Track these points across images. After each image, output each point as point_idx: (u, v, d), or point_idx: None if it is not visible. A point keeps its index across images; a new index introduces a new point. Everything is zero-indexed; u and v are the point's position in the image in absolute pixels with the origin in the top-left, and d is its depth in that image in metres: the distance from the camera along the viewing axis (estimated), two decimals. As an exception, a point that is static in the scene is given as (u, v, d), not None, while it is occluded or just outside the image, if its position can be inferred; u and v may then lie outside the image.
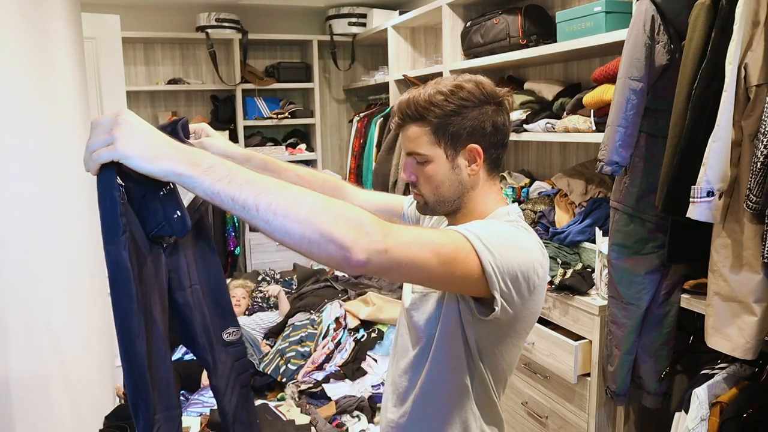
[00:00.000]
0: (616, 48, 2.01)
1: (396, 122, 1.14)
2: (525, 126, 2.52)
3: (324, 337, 3.24)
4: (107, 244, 0.77)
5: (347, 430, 2.54)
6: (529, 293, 1.02)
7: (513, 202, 2.79)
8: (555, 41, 2.37)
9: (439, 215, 1.21)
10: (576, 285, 2.13)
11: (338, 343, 3.17)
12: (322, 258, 0.80)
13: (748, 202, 1.48)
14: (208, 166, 0.79)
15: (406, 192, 3.29)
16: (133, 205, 0.82)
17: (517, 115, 2.55)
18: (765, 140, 1.44)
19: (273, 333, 3.58)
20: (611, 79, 2.02)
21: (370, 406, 2.66)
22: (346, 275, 3.86)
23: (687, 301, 1.86)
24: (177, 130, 0.96)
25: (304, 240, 0.79)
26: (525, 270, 1.00)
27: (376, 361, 2.98)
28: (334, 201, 0.83)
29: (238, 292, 3.68)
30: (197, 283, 0.96)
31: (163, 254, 0.89)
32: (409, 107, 1.09)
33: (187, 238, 0.94)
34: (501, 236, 1.00)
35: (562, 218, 2.45)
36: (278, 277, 4.17)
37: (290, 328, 3.41)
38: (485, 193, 1.13)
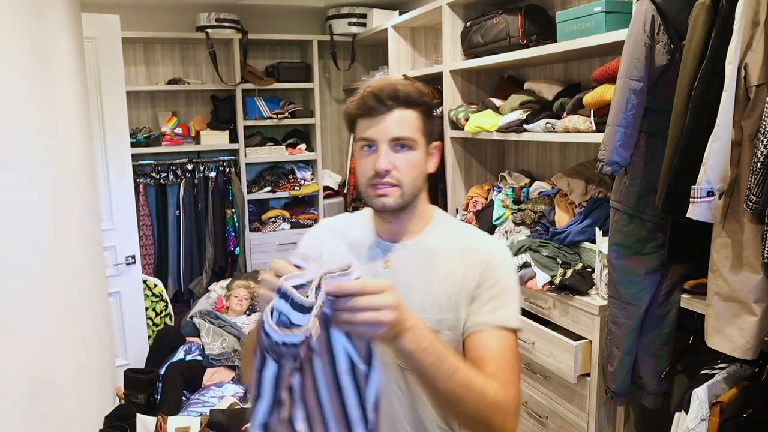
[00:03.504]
0: (616, 48, 2.00)
1: (379, 107, 1.05)
2: (525, 126, 2.51)
3: (324, 337, 3.24)
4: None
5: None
6: None
7: (513, 202, 2.80)
8: (555, 41, 2.37)
9: (400, 211, 1.10)
10: (576, 285, 2.13)
11: (338, 343, 3.16)
12: None
13: (748, 202, 1.48)
14: (426, 346, 0.87)
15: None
16: None
17: (517, 115, 2.55)
18: (765, 140, 1.43)
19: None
20: (611, 79, 2.02)
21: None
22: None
23: (687, 301, 1.86)
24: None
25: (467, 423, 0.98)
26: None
27: (376, 361, 2.98)
28: (485, 390, 0.93)
29: (240, 292, 3.68)
30: None
31: None
32: (398, 93, 1.05)
33: None
34: (516, 291, 1.12)
35: (562, 218, 2.45)
36: (278, 276, 4.16)
37: (290, 328, 3.41)
38: (425, 193, 1.16)
